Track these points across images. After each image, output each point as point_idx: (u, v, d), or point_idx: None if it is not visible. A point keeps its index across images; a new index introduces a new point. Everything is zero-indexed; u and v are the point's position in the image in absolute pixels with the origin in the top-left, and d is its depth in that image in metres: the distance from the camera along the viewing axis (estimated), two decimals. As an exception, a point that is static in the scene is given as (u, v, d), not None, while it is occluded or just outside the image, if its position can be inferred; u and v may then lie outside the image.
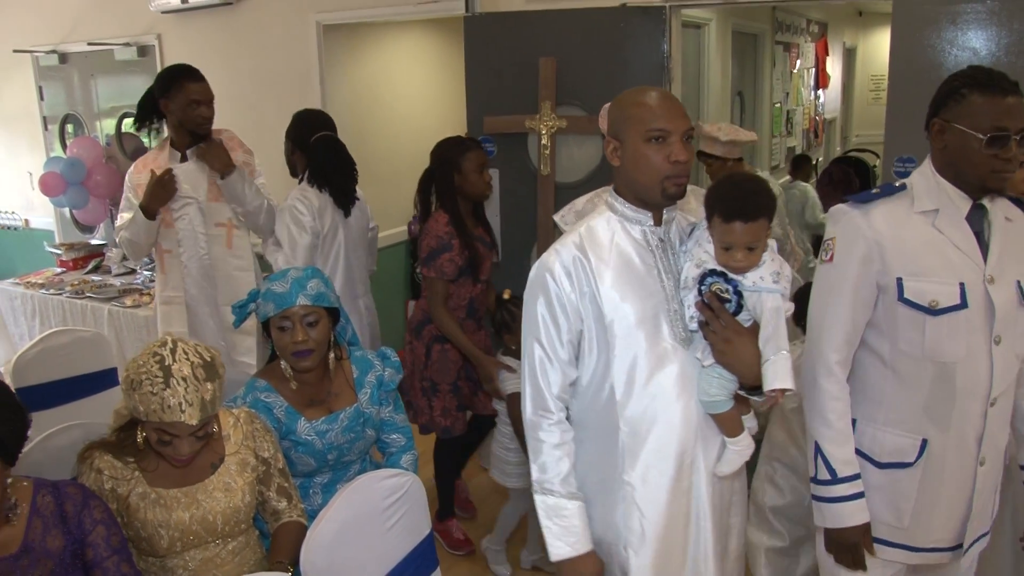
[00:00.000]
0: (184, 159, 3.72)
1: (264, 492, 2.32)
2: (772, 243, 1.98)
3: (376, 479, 2.26)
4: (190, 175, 3.71)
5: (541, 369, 2.02)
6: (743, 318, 1.95)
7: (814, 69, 8.57)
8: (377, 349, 2.78)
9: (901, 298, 2.03)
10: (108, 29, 6.20)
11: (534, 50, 4.11)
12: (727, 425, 2.02)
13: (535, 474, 2.02)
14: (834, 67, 9.34)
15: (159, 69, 5.60)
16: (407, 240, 6.23)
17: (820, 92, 8.90)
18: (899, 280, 2.02)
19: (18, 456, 1.91)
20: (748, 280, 1.94)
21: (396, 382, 2.70)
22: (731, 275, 1.95)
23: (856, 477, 2.10)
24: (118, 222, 3.82)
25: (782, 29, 7.31)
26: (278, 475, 2.34)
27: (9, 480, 1.93)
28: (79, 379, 3.66)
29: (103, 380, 3.75)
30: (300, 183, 3.81)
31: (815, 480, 2.13)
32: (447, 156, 3.55)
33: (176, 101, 3.60)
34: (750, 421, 2.08)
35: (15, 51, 6.75)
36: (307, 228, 3.68)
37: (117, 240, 3.85)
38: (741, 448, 2.02)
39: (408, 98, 6.24)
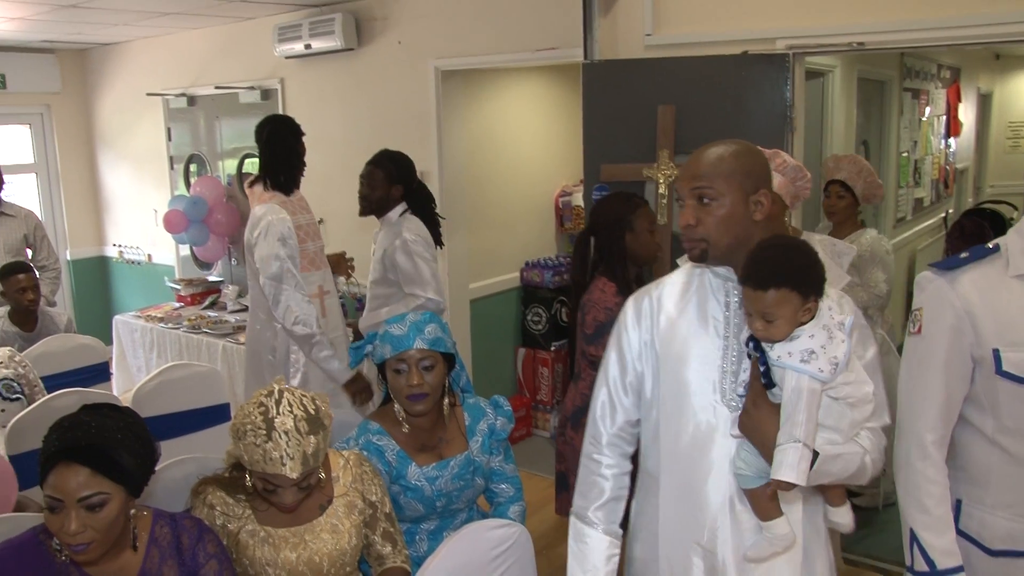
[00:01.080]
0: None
1: (370, 535, 2.33)
2: (826, 318, 1.84)
3: (484, 529, 2.25)
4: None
5: (602, 409, 2.07)
6: (775, 392, 1.85)
7: (945, 116, 8.30)
8: None
9: (999, 371, 1.88)
10: (234, 73, 6.51)
11: (652, 98, 4.10)
12: (758, 506, 1.90)
13: (575, 499, 2.07)
14: (967, 114, 9.03)
15: (280, 111, 5.96)
16: (519, 286, 6.29)
17: (951, 140, 8.61)
18: (996, 352, 1.88)
19: (143, 488, 1.99)
20: (774, 353, 1.83)
21: (507, 431, 2.69)
22: (763, 344, 1.85)
23: (959, 570, 1.92)
24: (294, 307, 3.72)
25: (911, 75, 7.12)
26: (385, 519, 2.35)
27: (132, 511, 2.01)
28: (194, 412, 3.82)
29: (216, 415, 3.89)
30: (401, 215, 4.07)
31: (911, 571, 1.98)
32: (617, 215, 3.31)
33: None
34: (842, 516, 1.95)
35: (148, 94, 7.16)
36: (434, 258, 4.01)
37: (289, 326, 3.76)
38: (773, 537, 1.88)
39: (524, 144, 6.35)
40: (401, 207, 4.10)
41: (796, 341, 1.82)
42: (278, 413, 2.07)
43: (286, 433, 2.05)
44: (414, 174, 4.16)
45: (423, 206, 4.20)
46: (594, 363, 3.16)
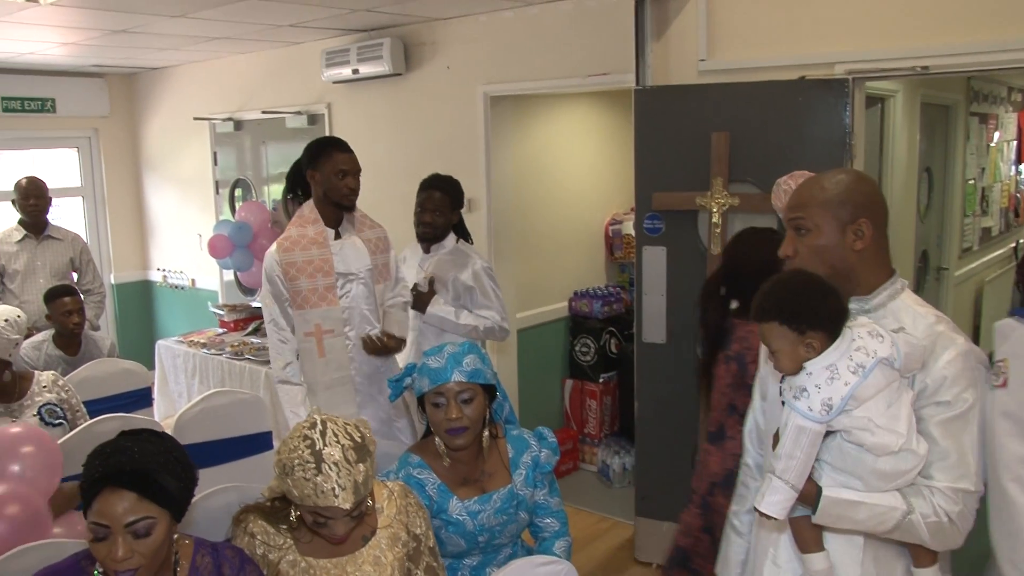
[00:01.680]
0: (337, 236, 3.77)
1: (412, 570, 2.32)
2: (837, 357, 1.85)
3: (530, 565, 2.24)
4: (349, 252, 3.77)
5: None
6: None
7: (1016, 141, 8.15)
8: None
9: None
10: (281, 98, 6.61)
11: (706, 124, 4.09)
12: (798, 536, 1.95)
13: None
14: (1039, 140, 8.84)
15: (327, 135, 5.91)
16: (567, 316, 6.28)
17: (1022, 167, 8.45)
18: None
19: (185, 512, 2.02)
20: (784, 385, 1.90)
21: (552, 464, 2.67)
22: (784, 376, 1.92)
23: None
24: (271, 346, 3.78)
25: (978, 99, 7.00)
26: (428, 553, 2.34)
27: (175, 536, 2.04)
28: (236, 440, 3.82)
29: (259, 443, 3.88)
30: (458, 242, 4.23)
31: None
32: (764, 258, 3.05)
33: (323, 170, 3.65)
34: None
35: (195, 118, 7.30)
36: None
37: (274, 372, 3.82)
38: (807, 572, 1.91)
39: (573, 171, 6.37)
40: (452, 234, 4.22)
41: (797, 376, 1.87)
42: (325, 444, 2.07)
43: (335, 464, 2.05)
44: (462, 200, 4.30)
45: (465, 233, 4.31)
46: None
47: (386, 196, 5.74)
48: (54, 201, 5.80)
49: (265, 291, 3.74)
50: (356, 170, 3.70)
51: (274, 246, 3.71)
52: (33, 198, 5.55)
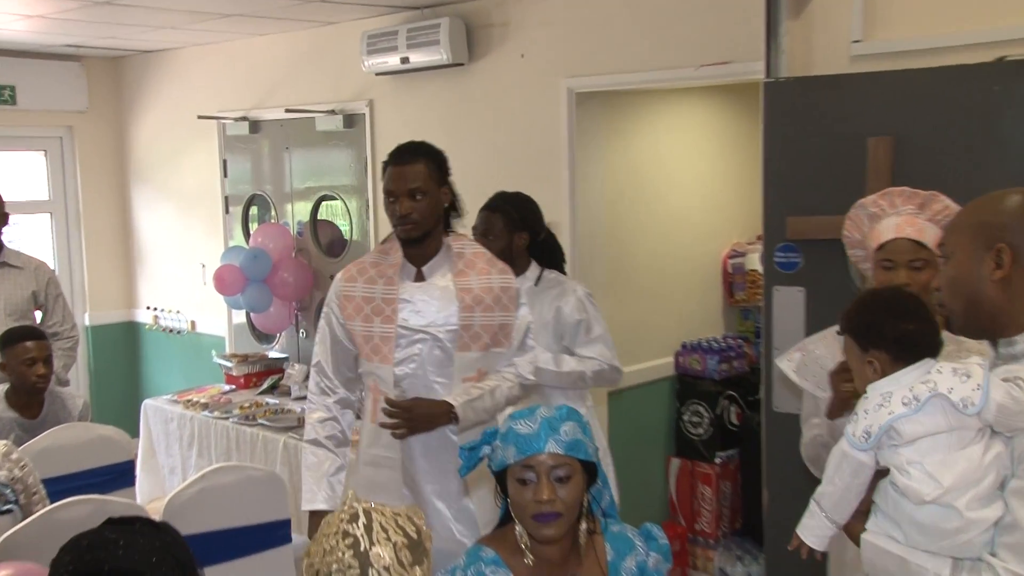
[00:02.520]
0: (420, 276, 3.68)
1: None
2: (897, 386, 2.09)
3: None
4: (430, 300, 3.64)
5: None
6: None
7: None
8: None
9: None
10: (310, 93, 6.70)
11: (862, 126, 4.05)
12: None
13: None
14: None
15: (368, 142, 6.19)
16: (673, 376, 6.28)
17: None
18: None
19: None
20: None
21: (664, 573, 2.65)
22: None
23: None
24: (308, 395, 3.80)
25: None
26: None
27: None
28: (245, 531, 3.85)
29: (275, 534, 3.92)
30: (543, 271, 4.34)
31: None
32: None
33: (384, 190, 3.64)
34: None
35: (199, 117, 7.34)
36: None
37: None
38: None
39: (682, 188, 6.35)
40: (533, 263, 4.32)
41: (859, 402, 2.19)
42: (372, 543, 2.07)
43: (386, 570, 2.05)
44: (541, 220, 4.37)
45: (554, 262, 4.37)
46: None
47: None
48: (13, 219, 5.77)
49: (321, 322, 3.78)
50: (405, 189, 3.52)
51: (342, 271, 3.78)
52: (-18, 215, 5.51)
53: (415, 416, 3.47)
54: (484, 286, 3.67)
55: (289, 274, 6.67)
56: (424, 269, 3.67)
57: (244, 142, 7.32)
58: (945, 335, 2.31)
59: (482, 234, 4.21)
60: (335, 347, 3.73)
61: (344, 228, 6.82)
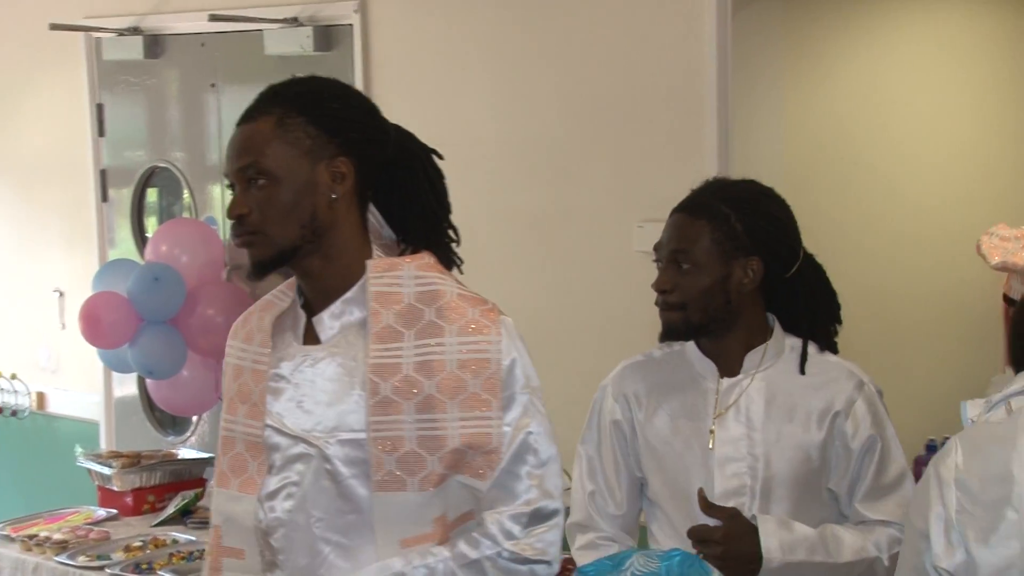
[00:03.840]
0: (311, 338, 3.06)
1: None
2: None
3: None
4: (313, 388, 3.12)
5: None
6: None
7: None
8: None
9: None
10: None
11: None
12: None
13: None
14: None
15: (357, 71, 5.51)
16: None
17: None
18: None
19: None
20: None
21: None
22: None
23: None
24: None
25: None
26: None
27: None
28: None
29: None
30: (807, 345, 3.54)
31: None
32: None
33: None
34: None
35: (54, 27, 6.00)
36: None
37: None
38: None
39: (933, 151, 5.79)
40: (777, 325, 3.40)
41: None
42: None
43: None
44: (795, 236, 3.34)
45: (816, 320, 3.29)
46: None
47: (484, 195, 4.79)
48: None
49: None
50: (234, 169, 2.49)
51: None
52: None
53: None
54: (427, 358, 2.46)
55: (216, 310, 5.22)
56: (317, 320, 2.53)
57: (135, 73, 6.18)
58: None
59: (670, 260, 3.02)
60: None
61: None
